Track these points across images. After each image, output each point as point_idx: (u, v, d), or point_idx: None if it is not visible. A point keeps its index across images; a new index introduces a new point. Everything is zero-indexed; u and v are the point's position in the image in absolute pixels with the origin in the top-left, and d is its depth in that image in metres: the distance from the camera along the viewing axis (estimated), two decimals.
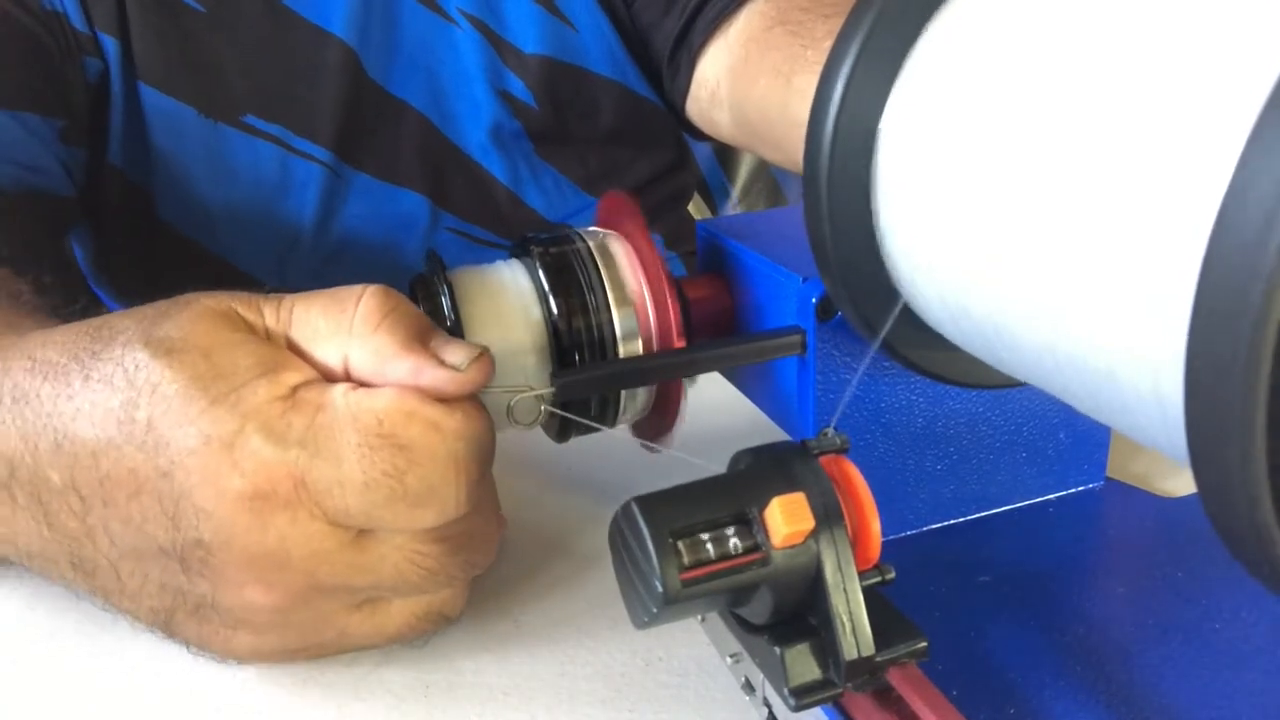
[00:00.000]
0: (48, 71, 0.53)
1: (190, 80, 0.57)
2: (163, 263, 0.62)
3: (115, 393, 0.28)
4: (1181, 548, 0.35)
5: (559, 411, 0.34)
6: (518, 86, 0.63)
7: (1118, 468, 0.39)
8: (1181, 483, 0.39)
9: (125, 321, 0.30)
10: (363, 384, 0.29)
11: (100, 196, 0.60)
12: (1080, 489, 0.38)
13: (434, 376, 0.29)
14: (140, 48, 0.55)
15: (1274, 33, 0.17)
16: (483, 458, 0.30)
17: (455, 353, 0.30)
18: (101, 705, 0.32)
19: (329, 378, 0.30)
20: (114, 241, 0.63)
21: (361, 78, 0.60)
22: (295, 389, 0.28)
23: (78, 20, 0.54)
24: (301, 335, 0.30)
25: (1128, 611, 0.32)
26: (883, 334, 0.27)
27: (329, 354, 0.30)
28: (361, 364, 0.29)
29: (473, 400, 0.30)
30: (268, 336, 0.30)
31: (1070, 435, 0.37)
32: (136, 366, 0.28)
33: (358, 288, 0.30)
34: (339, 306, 0.30)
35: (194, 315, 0.29)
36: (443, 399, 0.29)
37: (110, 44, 0.55)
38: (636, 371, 0.33)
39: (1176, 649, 0.30)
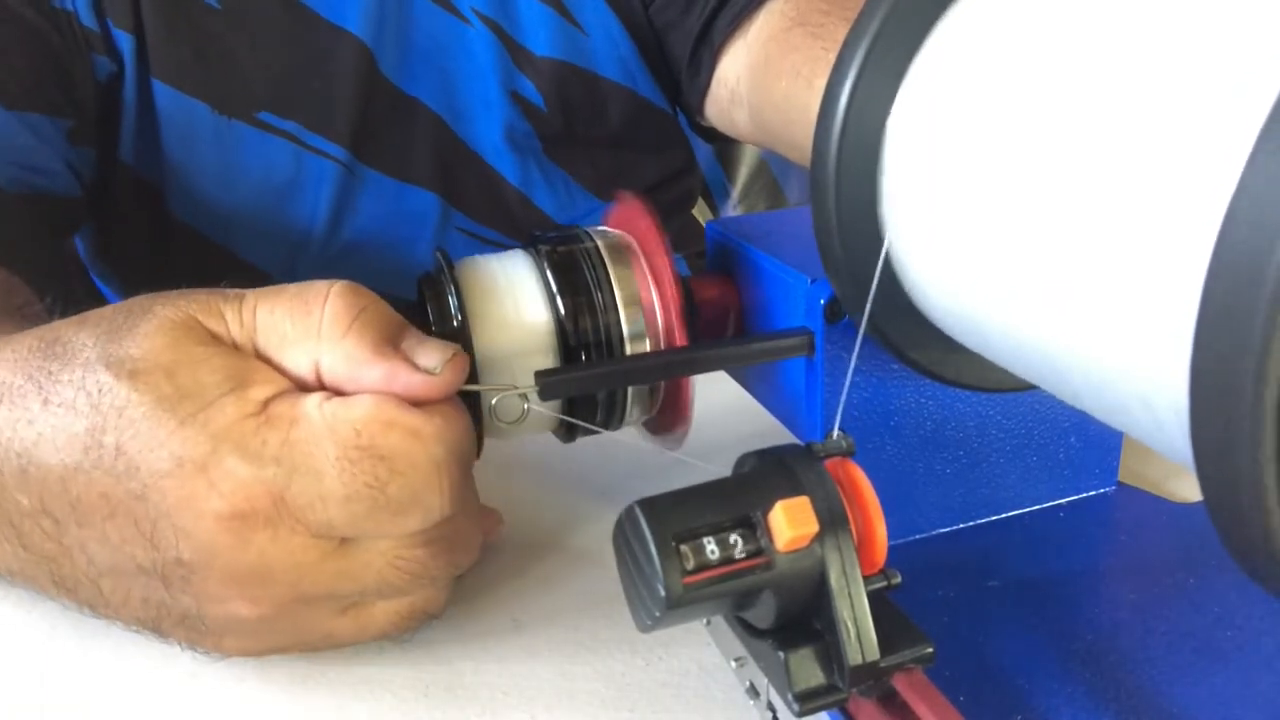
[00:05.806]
0: (55, 70, 0.53)
1: (204, 76, 0.57)
2: (171, 256, 0.62)
3: (79, 417, 0.27)
4: (1194, 554, 0.34)
5: (552, 413, 0.34)
6: (528, 88, 0.63)
7: (1130, 472, 0.39)
8: (1195, 488, 0.38)
9: (81, 336, 0.29)
10: (335, 390, 0.29)
11: (109, 192, 0.60)
12: (1092, 494, 0.38)
13: (409, 381, 0.29)
14: (154, 43, 0.55)
15: None
16: (464, 459, 0.30)
17: (429, 355, 0.29)
18: (101, 705, 0.32)
19: (300, 385, 0.29)
20: (121, 235, 0.63)
21: (376, 75, 0.60)
22: (266, 403, 0.28)
23: (88, 18, 0.54)
24: (268, 341, 0.29)
25: (1139, 618, 0.31)
26: (867, 308, 0.27)
27: (298, 360, 0.29)
28: (333, 370, 0.29)
29: (451, 401, 0.30)
30: (234, 345, 0.29)
31: (1082, 439, 0.37)
32: (100, 390, 0.27)
33: (323, 285, 0.29)
34: (305, 308, 0.29)
35: (153, 330, 0.28)
36: (419, 403, 0.29)
37: (125, 40, 0.55)
38: (623, 371, 0.33)
39: (1188, 656, 0.30)
